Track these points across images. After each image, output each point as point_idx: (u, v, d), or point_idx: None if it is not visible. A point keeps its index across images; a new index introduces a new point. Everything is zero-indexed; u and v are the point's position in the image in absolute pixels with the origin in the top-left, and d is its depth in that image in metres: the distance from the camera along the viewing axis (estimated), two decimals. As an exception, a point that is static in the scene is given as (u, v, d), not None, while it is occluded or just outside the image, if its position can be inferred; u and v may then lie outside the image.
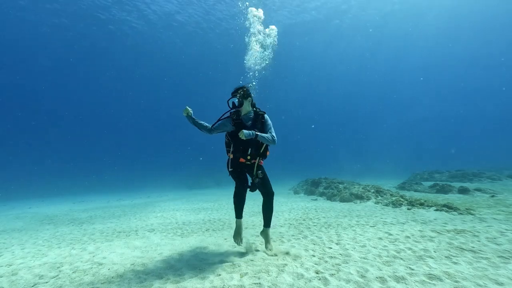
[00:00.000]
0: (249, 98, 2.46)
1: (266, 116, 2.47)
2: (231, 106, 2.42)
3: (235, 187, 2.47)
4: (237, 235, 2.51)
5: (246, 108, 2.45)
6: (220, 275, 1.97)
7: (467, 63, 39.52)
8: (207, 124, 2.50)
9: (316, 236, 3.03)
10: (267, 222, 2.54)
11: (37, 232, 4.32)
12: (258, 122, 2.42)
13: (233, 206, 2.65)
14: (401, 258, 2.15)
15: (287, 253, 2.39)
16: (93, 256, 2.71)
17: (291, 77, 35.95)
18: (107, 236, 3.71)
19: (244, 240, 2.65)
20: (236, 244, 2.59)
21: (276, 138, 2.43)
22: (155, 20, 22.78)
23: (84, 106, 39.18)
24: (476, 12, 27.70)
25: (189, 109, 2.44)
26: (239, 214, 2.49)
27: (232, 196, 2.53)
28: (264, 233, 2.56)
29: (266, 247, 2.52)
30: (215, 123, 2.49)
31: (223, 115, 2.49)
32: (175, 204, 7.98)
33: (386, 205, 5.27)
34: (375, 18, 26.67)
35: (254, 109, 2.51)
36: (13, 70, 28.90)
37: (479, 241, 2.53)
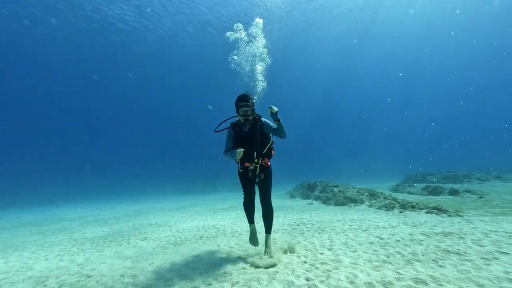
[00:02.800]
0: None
1: (262, 119, 2.57)
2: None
3: (244, 198, 2.61)
4: (252, 238, 2.67)
5: (239, 118, 2.52)
6: (211, 284, 1.97)
7: (463, 65, 40.65)
8: (228, 150, 2.61)
9: (309, 242, 3.05)
10: (267, 229, 2.62)
11: (23, 244, 4.19)
12: (256, 125, 2.50)
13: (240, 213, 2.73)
14: (390, 263, 2.19)
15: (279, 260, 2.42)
16: (82, 268, 2.65)
17: (289, 78, 36.34)
18: (98, 246, 3.63)
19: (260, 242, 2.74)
20: (253, 246, 2.73)
21: (277, 126, 2.52)
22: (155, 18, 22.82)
23: (79, 110, 38.53)
24: (475, 14, 28.43)
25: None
26: (251, 220, 2.66)
27: (242, 205, 2.66)
28: (264, 239, 2.65)
29: (264, 252, 2.55)
30: (227, 139, 2.62)
31: (221, 124, 2.57)
32: (170, 210, 7.88)
33: (379, 208, 5.35)
34: (374, 19, 27.42)
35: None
36: (12, 70, 28.37)
37: (464, 243, 2.61)
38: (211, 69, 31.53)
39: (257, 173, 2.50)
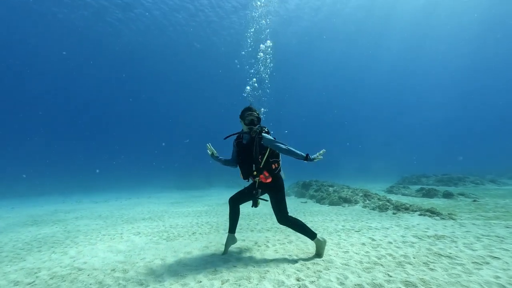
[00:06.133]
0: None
1: (264, 134, 2.46)
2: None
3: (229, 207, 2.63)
4: (225, 249, 2.66)
5: (244, 128, 2.55)
6: (201, 281, 1.96)
7: (462, 67, 40.62)
8: (229, 159, 2.67)
9: (302, 241, 3.06)
10: (309, 235, 2.48)
11: (17, 234, 4.17)
12: (256, 139, 2.43)
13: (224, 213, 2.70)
14: (381, 265, 2.20)
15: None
16: (74, 261, 2.64)
17: (287, 77, 36.14)
18: (91, 239, 3.62)
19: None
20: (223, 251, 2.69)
21: (284, 146, 2.37)
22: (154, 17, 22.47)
23: (72, 105, 38.18)
24: (478, 15, 28.18)
25: (212, 148, 2.66)
26: (232, 228, 2.63)
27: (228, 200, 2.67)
28: (315, 243, 2.50)
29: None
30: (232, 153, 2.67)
31: (232, 136, 2.63)
32: (164, 205, 7.89)
33: (373, 209, 5.37)
34: (378, 20, 27.13)
35: (252, 127, 2.48)
36: (11, 67, 27.96)
37: (456, 247, 2.62)
38: (211, 68, 31.28)
39: (256, 187, 2.46)
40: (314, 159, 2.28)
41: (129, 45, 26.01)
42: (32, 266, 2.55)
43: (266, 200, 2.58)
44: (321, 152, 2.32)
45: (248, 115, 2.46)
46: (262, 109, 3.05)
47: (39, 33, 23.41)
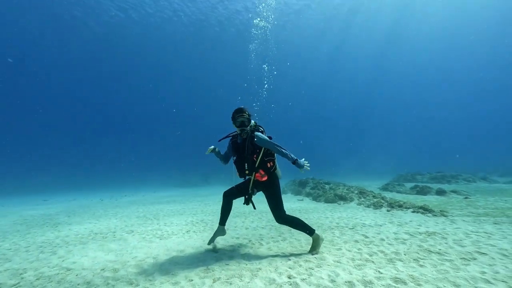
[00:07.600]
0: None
1: (256, 133, 2.46)
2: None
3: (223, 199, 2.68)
4: (213, 237, 2.74)
5: (237, 130, 2.54)
6: (192, 280, 1.94)
7: (461, 68, 40.98)
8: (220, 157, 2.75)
9: (295, 239, 3.07)
10: (307, 231, 2.50)
11: (5, 234, 4.07)
12: (248, 140, 2.46)
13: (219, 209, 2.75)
14: (373, 262, 2.21)
15: None
16: (62, 261, 2.59)
17: (286, 74, 36.01)
18: (82, 238, 3.56)
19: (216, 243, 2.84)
20: (208, 247, 2.80)
21: (277, 147, 2.38)
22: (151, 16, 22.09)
23: (67, 103, 37.42)
24: (485, 12, 28.06)
25: (212, 147, 2.69)
26: (222, 220, 2.68)
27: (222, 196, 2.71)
28: (312, 239, 2.52)
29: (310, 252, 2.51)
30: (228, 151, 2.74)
31: (225, 138, 2.68)
32: (160, 203, 7.82)
33: (368, 206, 5.43)
34: (381, 19, 27.11)
35: (244, 128, 2.47)
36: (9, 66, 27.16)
37: (446, 243, 2.66)
38: (210, 67, 30.98)
39: (250, 188, 2.49)
40: (301, 166, 2.36)
41: (129, 42, 25.51)
42: (18, 266, 2.48)
43: (255, 209, 2.64)
44: (308, 164, 2.42)
45: (238, 117, 2.45)
46: (254, 106, 3.08)
47: (40, 31, 22.74)
